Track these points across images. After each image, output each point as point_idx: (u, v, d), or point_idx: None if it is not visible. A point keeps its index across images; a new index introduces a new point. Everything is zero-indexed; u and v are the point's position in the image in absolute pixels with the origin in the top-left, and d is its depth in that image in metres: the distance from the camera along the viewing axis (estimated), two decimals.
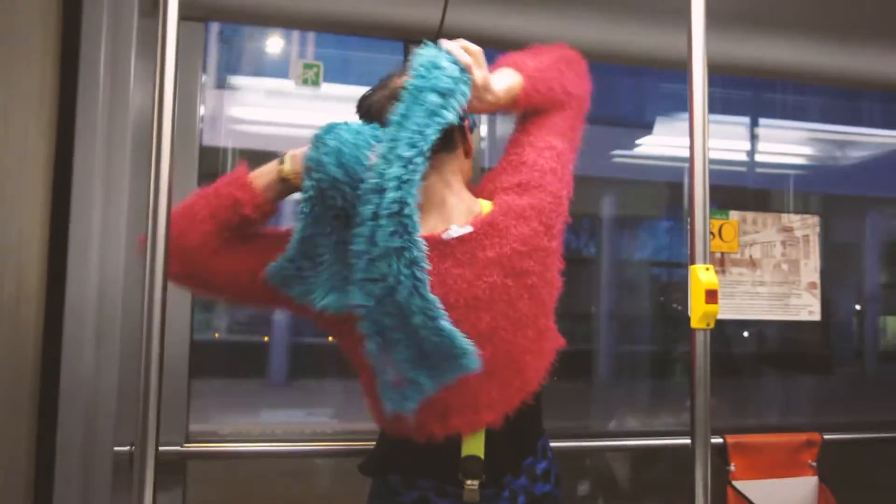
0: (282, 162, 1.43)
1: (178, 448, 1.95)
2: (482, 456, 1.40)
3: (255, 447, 2.05)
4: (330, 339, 1.60)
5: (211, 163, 2.28)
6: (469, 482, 1.39)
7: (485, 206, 1.44)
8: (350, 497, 1.69)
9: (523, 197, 1.42)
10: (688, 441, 1.42)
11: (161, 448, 1.30)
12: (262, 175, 1.44)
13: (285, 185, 1.43)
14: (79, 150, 1.76)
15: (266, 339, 2.82)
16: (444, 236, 1.36)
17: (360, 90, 1.51)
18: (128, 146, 1.81)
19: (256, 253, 1.42)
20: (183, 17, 1.31)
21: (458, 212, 1.42)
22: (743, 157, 3.24)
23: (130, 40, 1.80)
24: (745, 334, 3.11)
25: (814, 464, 2.20)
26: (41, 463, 1.73)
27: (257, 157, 1.50)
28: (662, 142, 3.23)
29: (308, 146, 1.35)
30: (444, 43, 1.39)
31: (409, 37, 2.19)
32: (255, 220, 1.44)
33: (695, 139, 1.46)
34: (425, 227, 1.34)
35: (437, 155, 1.34)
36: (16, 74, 1.54)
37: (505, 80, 1.47)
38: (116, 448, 1.81)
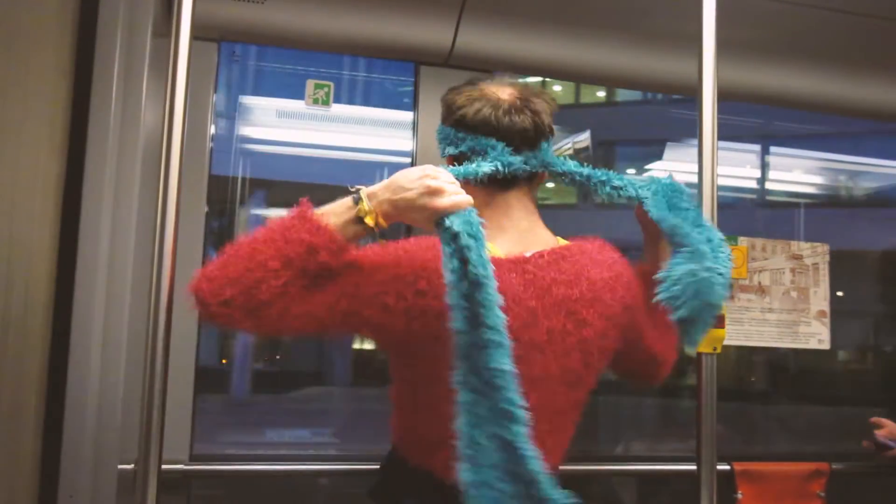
0: (357, 200, 1.26)
1: (182, 466, 1.95)
2: None
3: (259, 467, 2.04)
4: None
5: None
6: None
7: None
8: None
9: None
10: (694, 467, 1.41)
11: (164, 466, 1.30)
12: (334, 215, 1.25)
13: (360, 227, 1.26)
14: (89, 167, 1.77)
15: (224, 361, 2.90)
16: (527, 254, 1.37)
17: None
18: (138, 164, 1.82)
19: (333, 291, 1.27)
20: (196, 38, 1.32)
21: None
22: None
23: (144, 59, 1.82)
24: None
25: (822, 493, 2.17)
26: (45, 480, 1.72)
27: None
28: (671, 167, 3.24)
29: (386, 187, 1.26)
30: None
31: (421, 59, 2.21)
32: (333, 267, 1.26)
33: (703, 164, 1.46)
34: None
35: None
36: (29, 91, 1.55)
37: None
38: (121, 466, 1.81)
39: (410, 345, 1.33)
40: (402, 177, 1.26)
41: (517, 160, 1.41)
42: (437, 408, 1.25)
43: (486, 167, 1.38)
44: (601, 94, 4.32)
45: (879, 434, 2.21)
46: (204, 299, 1.19)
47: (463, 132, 1.45)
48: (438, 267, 1.22)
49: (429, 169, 1.26)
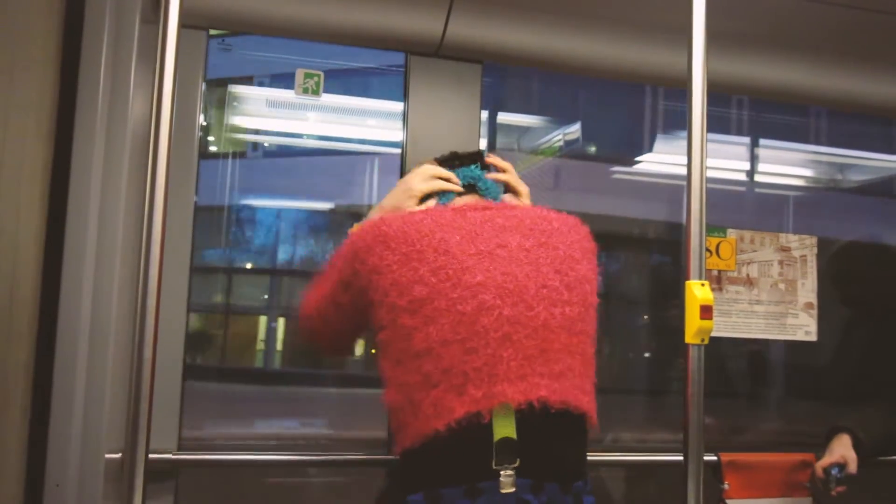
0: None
1: (170, 456, 1.94)
2: (514, 437, 1.34)
3: (247, 456, 2.04)
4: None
5: None
6: (504, 472, 1.32)
7: None
8: None
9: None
10: (680, 458, 1.42)
11: (151, 455, 1.30)
12: None
13: None
14: (76, 156, 1.75)
15: None
16: None
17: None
18: (126, 152, 1.81)
19: None
20: (184, 25, 1.31)
21: None
22: None
23: (132, 46, 1.80)
24: None
25: (808, 484, 2.18)
26: (32, 468, 1.72)
27: None
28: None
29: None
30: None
31: (411, 48, 2.20)
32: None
33: (692, 156, 1.46)
34: None
35: None
36: (15, 78, 1.54)
37: None
38: (108, 455, 1.80)
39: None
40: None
41: None
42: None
43: None
44: None
45: (822, 464, 2.06)
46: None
47: None
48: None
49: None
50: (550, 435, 1.39)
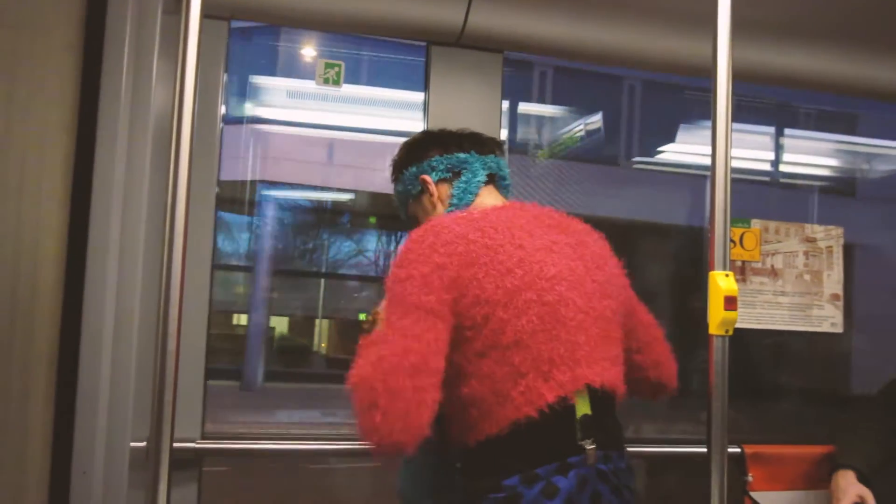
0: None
1: (193, 445, 1.96)
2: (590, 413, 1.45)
3: (270, 445, 2.06)
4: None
5: None
6: (588, 445, 1.43)
7: None
8: None
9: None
10: (704, 449, 1.41)
11: (176, 444, 1.31)
12: None
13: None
14: (100, 146, 1.76)
15: None
16: None
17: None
18: (149, 144, 1.82)
19: None
20: (206, 15, 1.31)
21: None
22: None
23: (154, 37, 1.81)
24: None
25: None
26: (59, 456, 1.74)
27: None
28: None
29: None
30: None
31: (432, 38, 2.19)
32: None
33: (717, 146, 1.44)
34: None
35: None
36: (37, 70, 1.55)
37: None
38: (133, 444, 1.82)
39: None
40: None
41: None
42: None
43: None
44: None
45: None
46: None
47: None
48: None
49: None
50: (606, 411, 1.50)
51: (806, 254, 2.43)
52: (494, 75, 2.25)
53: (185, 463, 1.96)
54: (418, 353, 1.34)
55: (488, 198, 1.68)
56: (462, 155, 1.71)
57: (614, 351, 1.55)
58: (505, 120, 2.44)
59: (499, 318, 1.43)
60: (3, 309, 1.60)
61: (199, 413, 2.01)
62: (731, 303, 1.36)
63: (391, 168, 1.80)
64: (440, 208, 1.70)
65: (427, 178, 1.70)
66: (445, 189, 1.70)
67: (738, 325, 1.39)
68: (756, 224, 2.41)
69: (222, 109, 2.09)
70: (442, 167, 1.70)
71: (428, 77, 2.22)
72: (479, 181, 1.68)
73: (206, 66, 2.01)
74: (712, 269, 1.40)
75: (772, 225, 2.42)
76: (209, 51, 1.98)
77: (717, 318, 1.37)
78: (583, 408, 1.44)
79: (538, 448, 1.42)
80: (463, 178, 1.69)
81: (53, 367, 1.72)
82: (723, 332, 1.38)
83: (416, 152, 1.75)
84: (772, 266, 2.41)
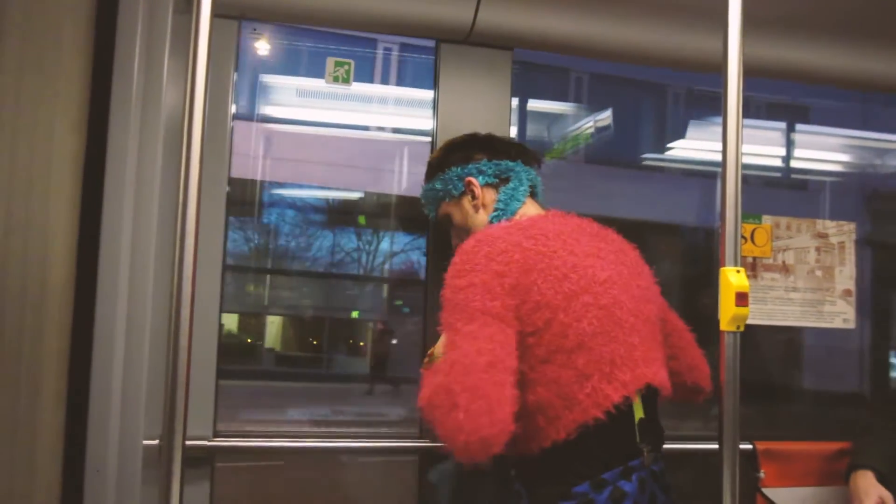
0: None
1: (206, 443, 1.97)
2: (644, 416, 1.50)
3: (282, 443, 2.07)
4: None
5: None
6: (646, 448, 1.47)
7: None
8: None
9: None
10: (716, 446, 1.40)
11: (188, 442, 1.32)
12: None
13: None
14: (112, 145, 1.77)
15: None
16: None
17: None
18: (159, 143, 1.83)
19: None
20: (216, 15, 1.32)
21: None
22: None
23: (165, 36, 1.81)
24: None
25: None
26: (73, 454, 1.75)
27: None
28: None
29: None
30: None
31: (442, 35, 2.19)
32: None
33: (728, 142, 1.44)
34: None
35: None
36: (47, 69, 1.55)
37: None
38: (146, 441, 1.83)
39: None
40: None
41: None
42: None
43: None
44: None
45: None
46: None
47: None
48: None
49: None
50: (654, 411, 1.55)
51: (818, 249, 2.42)
52: (504, 73, 2.24)
53: (198, 461, 1.97)
54: (491, 352, 1.33)
55: (531, 207, 1.70)
56: (510, 162, 1.72)
57: (662, 352, 1.59)
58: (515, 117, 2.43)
59: (560, 322, 1.44)
60: (14, 308, 1.61)
61: (211, 411, 2.02)
62: (742, 299, 1.35)
63: (428, 166, 1.80)
64: (482, 213, 1.70)
65: (473, 180, 1.71)
66: (491, 194, 1.71)
67: (748, 322, 1.39)
68: (767, 220, 2.40)
69: (233, 108, 2.09)
70: (490, 172, 1.71)
71: (437, 74, 2.22)
72: (524, 190, 1.71)
73: (217, 65, 2.02)
74: (723, 265, 1.40)
75: (783, 221, 2.41)
76: (219, 50, 1.99)
77: (728, 315, 1.36)
78: (639, 410, 1.49)
79: (603, 452, 1.44)
80: (511, 185, 1.70)
81: (65, 367, 1.73)
82: (734, 328, 1.37)
83: (460, 153, 1.75)
84: (783, 262, 2.40)
